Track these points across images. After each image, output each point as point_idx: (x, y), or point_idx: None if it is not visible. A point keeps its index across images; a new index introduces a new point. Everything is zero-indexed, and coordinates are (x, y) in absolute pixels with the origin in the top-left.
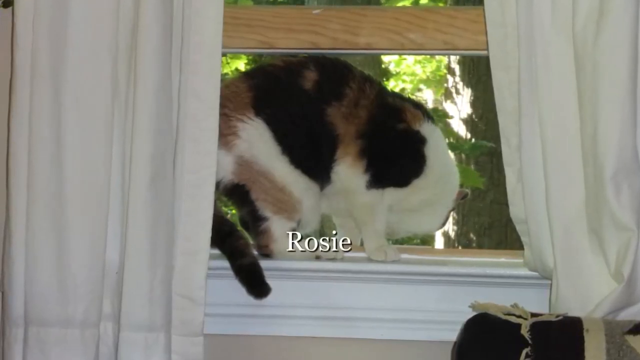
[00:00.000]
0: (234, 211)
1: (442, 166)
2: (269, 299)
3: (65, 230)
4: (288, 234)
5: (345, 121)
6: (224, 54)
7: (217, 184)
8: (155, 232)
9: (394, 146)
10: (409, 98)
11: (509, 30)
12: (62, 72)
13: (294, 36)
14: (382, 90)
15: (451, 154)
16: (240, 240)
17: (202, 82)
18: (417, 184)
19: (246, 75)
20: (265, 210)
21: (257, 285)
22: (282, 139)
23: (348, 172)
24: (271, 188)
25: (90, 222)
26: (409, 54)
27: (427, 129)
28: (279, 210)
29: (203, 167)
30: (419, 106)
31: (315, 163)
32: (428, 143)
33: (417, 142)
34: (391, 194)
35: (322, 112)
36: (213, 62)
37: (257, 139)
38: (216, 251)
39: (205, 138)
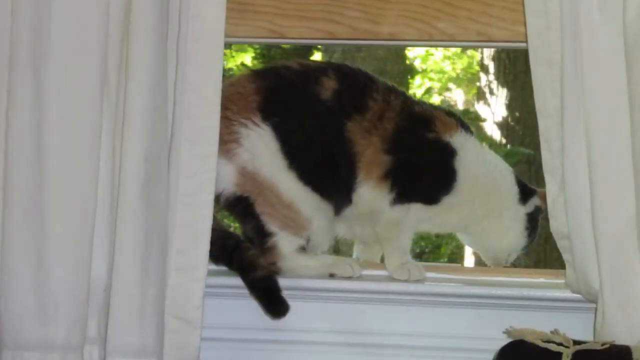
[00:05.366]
0: (236, 225)
1: (479, 178)
2: (275, 321)
3: (45, 241)
4: (296, 250)
5: (368, 137)
6: (228, 45)
7: (218, 197)
8: (147, 245)
9: (421, 158)
10: (440, 106)
11: (551, 20)
12: (45, 62)
13: (307, 24)
14: (408, 99)
15: (494, 156)
16: (249, 252)
17: (201, 75)
18: (449, 201)
19: (255, 74)
20: (271, 225)
21: (273, 303)
22: (290, 152)
23: (372, 194)
24: (277, 203)
25: (73, 232)
26: (437, 46)
27: (460, 140)
28: (286, 227)
29: (202, 171)
30: (452, 114)
31: (330, 182)
32: (458, 155)
33: (447, 155)
34: (419, 211)
35: (340, 125)
36: (214, 52)
37: (261, 150)
38: (214, 267)
39: (205, 138)
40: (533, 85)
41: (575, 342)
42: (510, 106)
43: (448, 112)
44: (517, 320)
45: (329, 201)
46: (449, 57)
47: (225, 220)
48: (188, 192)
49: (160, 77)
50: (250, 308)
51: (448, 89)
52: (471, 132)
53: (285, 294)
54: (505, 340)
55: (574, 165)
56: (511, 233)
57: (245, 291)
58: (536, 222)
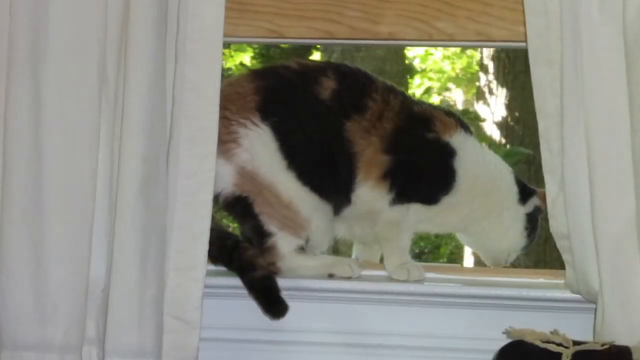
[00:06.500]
0: (235, 225)
1: (478, 178)
2: (274, 322)
3: (43, 241)
4: (296, 250)
5: (367, 137)
6: (227, 45)
7: (217, 197)
8: (146, 245)
9: (421, 158)
10: (439, 106)
11: (551, 20)
12: (43, 62)
13: (306, 24)
14: (407, 99)
15: (494, 156)
16: (248, 252)
17: (200, 74)
18: (448, 201)
19: (254, 74)
20: (270, 225)
21: (272, 303)
22: (290, 152)
23: (372, 194)
24: (276, 203)
25: (72, 232)
26: (436, 46)
27: (459, 140)
28: (285, 227)
29: (200, 171)
30: (451, 114)
31: (329, 182)
32: (458, 155)
33: (446, 155)
34: (419, 211)
35: (340, 125)
36: (213, 51)
37: (260, 150)
38: (213, 267)
39: (204, 138)
40: (533, 85)
41: (575, 343)
42: (509, 106)
43: (447, 112)
44: (517, 320)
45: (328, 201)
46: (448, 57)
47: (224, 221)
48: (187, 192)
49: (159, 77)
50: (249, 308)
51: (447, 89)
52: (471, 132)
53: (284, 294)
54: (505, 341)
55: (573, 165)
56: (511, 233)
57: (244, 291)
58: (536, 222)
